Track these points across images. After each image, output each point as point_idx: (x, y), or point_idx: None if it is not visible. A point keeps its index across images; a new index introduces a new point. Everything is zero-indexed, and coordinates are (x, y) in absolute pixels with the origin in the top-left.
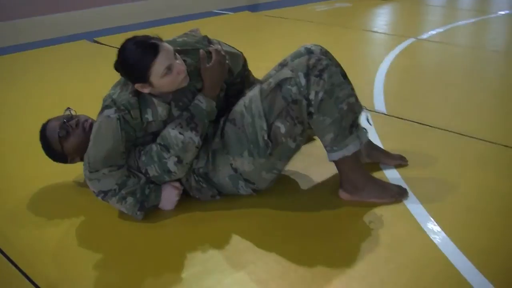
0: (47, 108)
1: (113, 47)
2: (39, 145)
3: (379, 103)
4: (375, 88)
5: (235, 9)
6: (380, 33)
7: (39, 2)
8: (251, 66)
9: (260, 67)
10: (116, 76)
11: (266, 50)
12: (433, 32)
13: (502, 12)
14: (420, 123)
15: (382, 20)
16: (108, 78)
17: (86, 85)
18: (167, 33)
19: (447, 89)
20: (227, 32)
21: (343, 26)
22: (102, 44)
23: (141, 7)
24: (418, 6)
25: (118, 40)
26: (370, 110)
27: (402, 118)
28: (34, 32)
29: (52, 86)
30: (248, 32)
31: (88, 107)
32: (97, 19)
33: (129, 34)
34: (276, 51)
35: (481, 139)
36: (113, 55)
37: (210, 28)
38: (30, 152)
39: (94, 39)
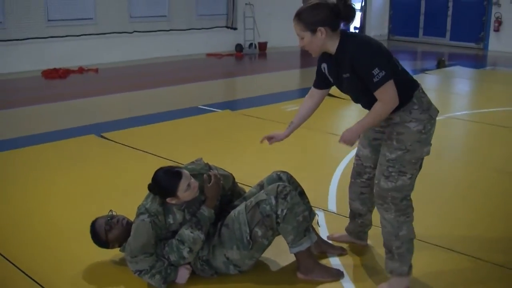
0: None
1: (118, 143)
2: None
3: (332, 203)
4: (330, 189)
5: (216, 105)
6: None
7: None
8: (234, 167)
9: (242, 169)
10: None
11: (246, 151)
12: None
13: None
14: None
15: (342, 122)
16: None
17: (101, 181)
18: (163, 130)
19: None
20: (213, 130)
21: (309, 128)
22: (109, 139)
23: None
24: None
25: (122, 136)
26: (324, 210)
27: (346, 217)
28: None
29: (64, 182)
30: (231, 131)
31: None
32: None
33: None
34: (254, 152)
35: None
36: (119, 151)
37: (199, 128)
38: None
39: (101, 134)
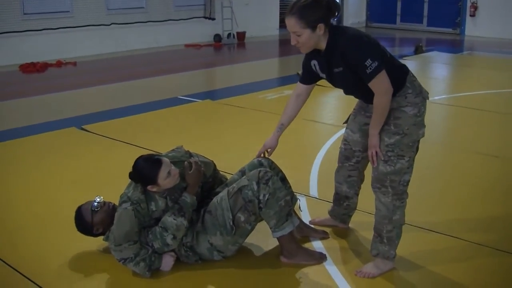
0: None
1: (99, 135)
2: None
3: (313, 189)
4: (311, 175)
5: (196, 95)
6: (320, 122)
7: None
8: (216, 156)
9: (224, 158)
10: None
11: (228, 139)
12: None
13: None
14: None
15: (322, 108)
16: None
17: (82, 171)
18: (144, 121)
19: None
20: (194, 120)
21: None
22: (90, 132)
23: (117, 91)
24: None
25: (103, 128)
26: (305, 195)
27: (328, 201)
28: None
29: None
30: (211, 120)
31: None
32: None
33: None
34: (235, 140)
35: None
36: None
37: (180, 118)
38: (57, 229)
39: (82, 127)
